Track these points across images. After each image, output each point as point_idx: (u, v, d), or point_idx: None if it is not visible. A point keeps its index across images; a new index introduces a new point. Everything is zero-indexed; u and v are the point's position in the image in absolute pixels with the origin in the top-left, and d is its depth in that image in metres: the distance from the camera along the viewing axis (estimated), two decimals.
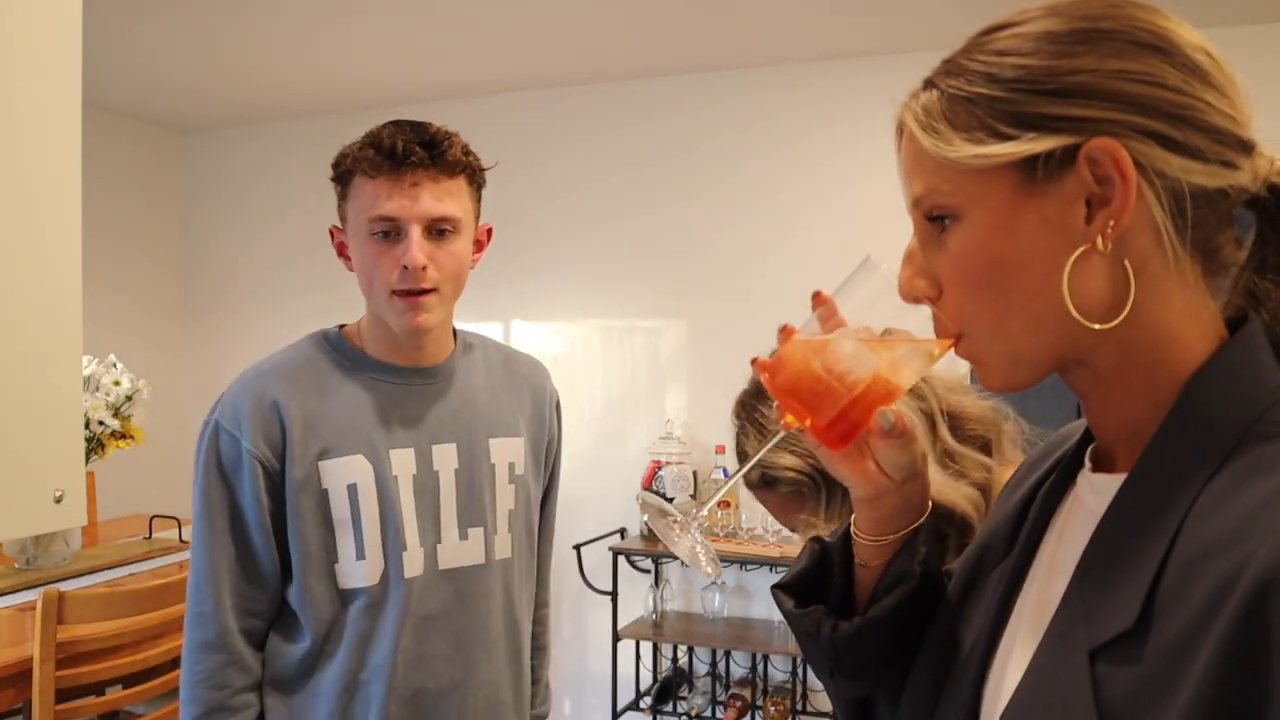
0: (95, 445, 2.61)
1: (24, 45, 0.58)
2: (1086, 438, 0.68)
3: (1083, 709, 0.52)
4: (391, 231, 1.24)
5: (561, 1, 2.84)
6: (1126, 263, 0.56)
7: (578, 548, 3.35)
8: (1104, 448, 0.65)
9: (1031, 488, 0.72)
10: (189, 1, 2.79)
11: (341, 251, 1.34)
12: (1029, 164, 0.56)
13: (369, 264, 1.26)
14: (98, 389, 2.63)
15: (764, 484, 1.16)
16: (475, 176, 1.32)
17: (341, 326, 1.38)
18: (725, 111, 3.50)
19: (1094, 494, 0.63)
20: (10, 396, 0.58)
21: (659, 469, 3.32)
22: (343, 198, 1.30)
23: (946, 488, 1.00)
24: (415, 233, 1.24)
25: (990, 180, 0.57)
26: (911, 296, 0.64)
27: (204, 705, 1.24)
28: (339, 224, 1.33)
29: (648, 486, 3.34)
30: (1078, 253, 0.56)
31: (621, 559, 3.36)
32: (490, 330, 3.87)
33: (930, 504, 0.79)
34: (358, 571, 1.28)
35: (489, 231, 1.40)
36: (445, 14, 2.92)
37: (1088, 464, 0.66)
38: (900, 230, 0.66)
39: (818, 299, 0.76)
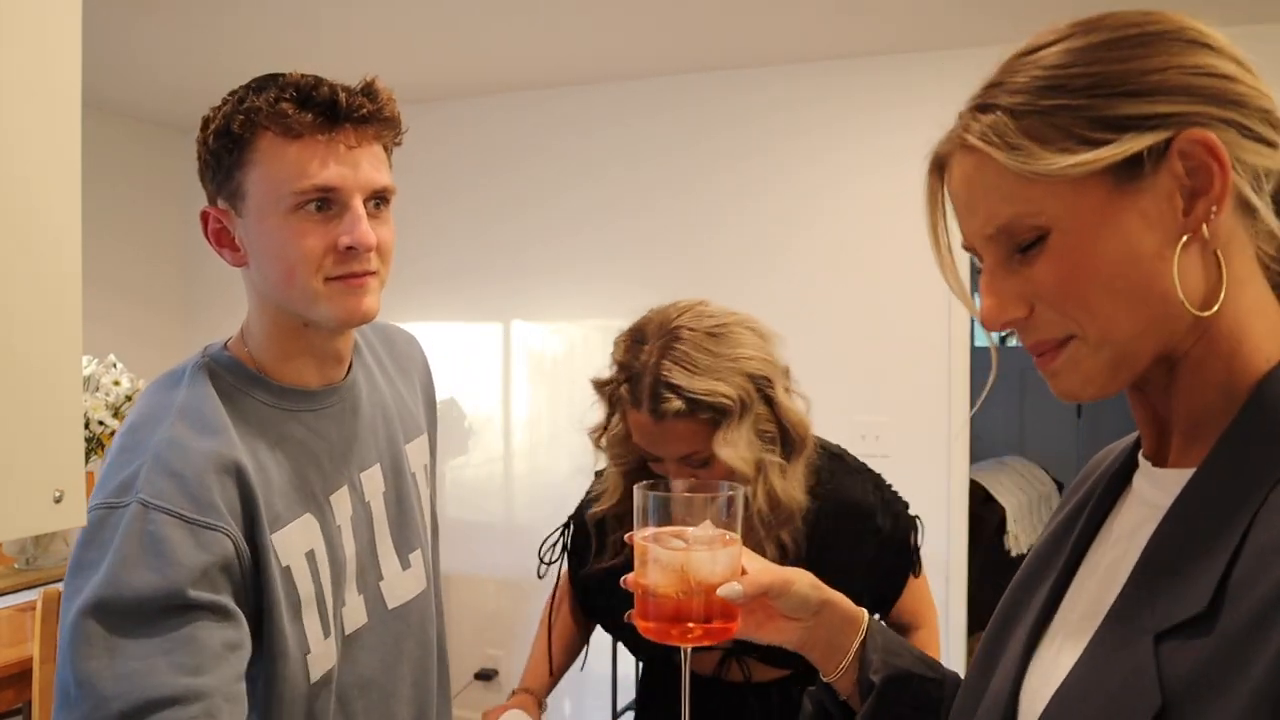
0: (95, 445, 2.61)
1: (24, 45, 0.58)
2: (1133, 449, 0.69)
3: (1144, 688, 0.53)
4: (324, 204, 0.97)
5: (558, 1, 2.84)
6: (1218, 251, 0.58)
7: None
8: (1159, 440, 0.66)
9: (1078, 503, 0.73)
10: (189, 1, 2.79)
11: (221, 240, 1.02)
12: (1122, 165, 0.57)
13: (290, 247, 0.97)
14: (98, 389, 2.63)
15: (689, 412, 1.20)
16: (396, 139, 1.07)
17: (224, 347, 1.07)
18: (725, 111, 3.50)
19: (1154, 487, 0.64)
20: (10, 396, 0.58)
21: None
22: (236, 166, 0.98)
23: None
24: (359, 206, 0.98)
25: (1082, 188, 0.58)
26: (1000, 324, 0.63)
27: None
28: (216, 205, 1.02)
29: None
30: (1181, 243, 0.57)
31: None
32: (490, 330, 3.88)
33: (865, 613, 0.85)
34: (328, 652, 1.02)
35: None
36: (446, 14, 2.92)
37: (1142, 461, 0.67)
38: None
39: (629, 541, 0.85)
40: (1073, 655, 0.60)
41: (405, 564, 1.13)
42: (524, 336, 3.81)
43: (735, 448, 1.20)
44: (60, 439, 0.61)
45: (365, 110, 0.98)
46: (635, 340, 1.32)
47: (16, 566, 2.63)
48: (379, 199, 1.02)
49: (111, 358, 2.73)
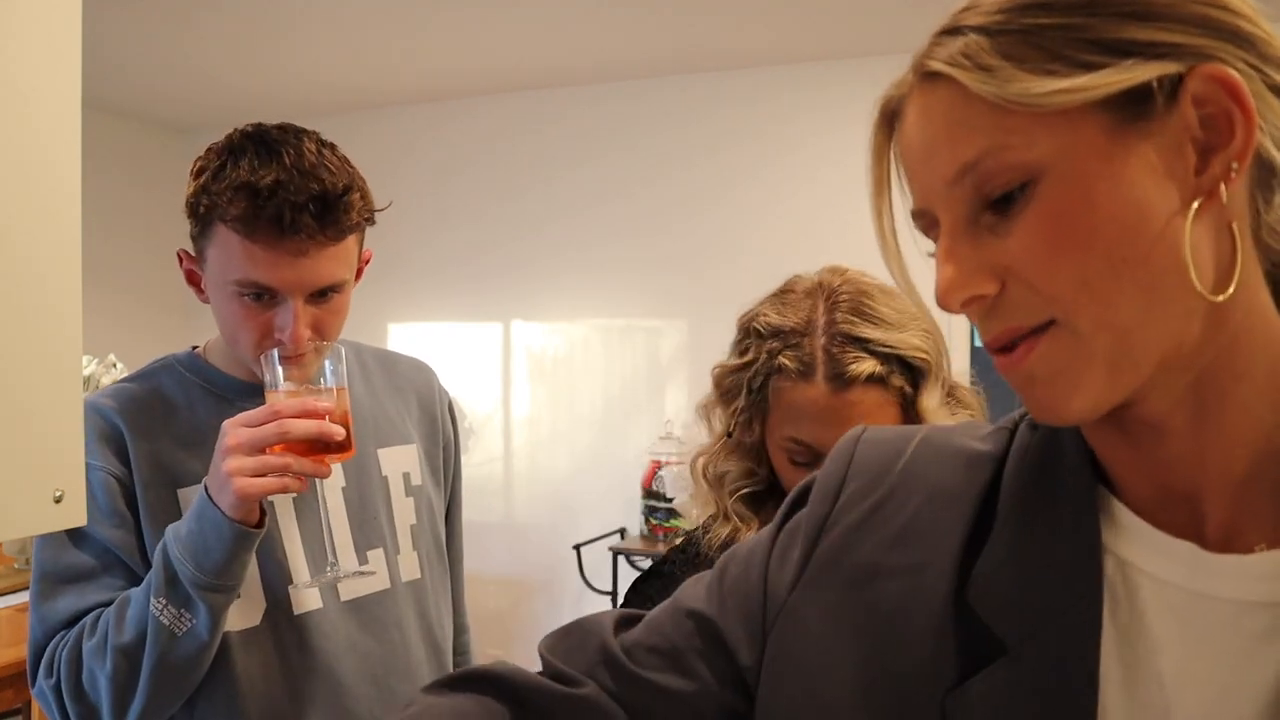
0: None
1: (24, 45, 0.58)
2: (1086, 506, 0.53)
3: None
4: (260, 295, 1.03)
5: (559, 2, 2.83)
6: (1234, 225, 0.46)
7: (578, 548, 3.35)
8: (1169, 502, 0.51)
9: (946, 596, 0.55)
10: (189, 2, 2.79)
11: (191, 280, 1.11)
12: (1123, 100, 0.45)
13: (232, 322, 1.06)
14: (98, 389, 2.63)
15: (882, 376, 0.94)
16: (366, 224, 1.11)
17: (194, 348, 1.20)
18: (725, 113, 3.50)
19: (1212, 577, 0.48)
20: (10, 396, 0.58)
21: (659, 469, 3.32)
22: (200, 235, 1.06)
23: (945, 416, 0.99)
24: (299, 306, 1.03)
25: (1076, 124, 0.46)
26: (960, 301, 0.50)
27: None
28: (189, 250, 1.11)
29: (648, 487, 3.34)
30: (1195, 206, 0.45)
31: (621, 559, 3.36)
32: (490, 330, 3.88)
33: None
34: (240, 611, 1.08)
35: (368, 258, 1.18)
36: (447, 14, 2.92)
37: (1169, 542, 0.50)
38: (901, 230, 0.63)
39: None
40: None
41: (363, 559, 1.19)
42: (524, 336, 3.81)
43: (943, 418, 0.97)
44: (60, 439, 0.61)
45: (307, 229, 1.00)
46: (786, 303, 1.02)
47: (16, 566, 2.63)
48: (325, 291, 1.06)
49: (111, 357, 2.73)
